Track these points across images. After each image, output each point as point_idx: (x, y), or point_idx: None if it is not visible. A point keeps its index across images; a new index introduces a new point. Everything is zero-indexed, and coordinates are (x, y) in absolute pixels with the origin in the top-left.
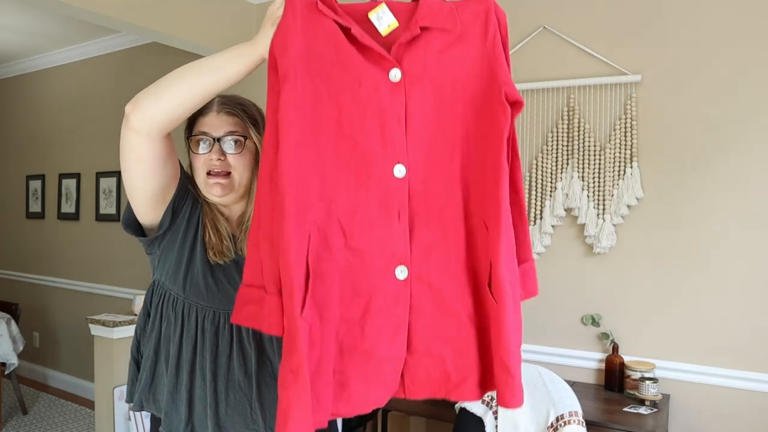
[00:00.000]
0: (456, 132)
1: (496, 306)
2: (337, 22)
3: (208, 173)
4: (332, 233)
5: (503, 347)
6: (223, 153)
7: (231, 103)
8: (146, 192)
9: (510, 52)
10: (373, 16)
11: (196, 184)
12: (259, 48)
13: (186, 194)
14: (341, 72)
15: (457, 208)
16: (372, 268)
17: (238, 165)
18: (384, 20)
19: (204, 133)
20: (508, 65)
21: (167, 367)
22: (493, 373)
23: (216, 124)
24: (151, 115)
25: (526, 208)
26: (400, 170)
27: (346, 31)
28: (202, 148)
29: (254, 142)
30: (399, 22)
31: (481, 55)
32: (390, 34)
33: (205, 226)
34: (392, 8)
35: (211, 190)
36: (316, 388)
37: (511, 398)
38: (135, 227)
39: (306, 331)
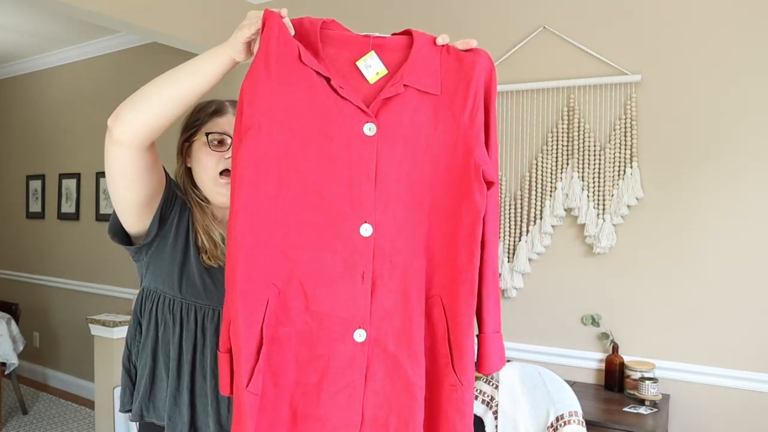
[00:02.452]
0: (425, 197)
1: (459, 385)
2: (318, 72)
3: (221, 173)
4: (293, 295)
5: (463, 428)
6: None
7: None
8: (132, 202)
9: (510, 52)
10: (361, 64)
11: (184, 189)
12: (228, 49)
13: (173, 201)
14: (313, 124)
15: (420, 274)
16: (331, 330)
17: None
18: (372, 68)
19: (223, 132)
20: (492, 128)
21: (167, 371)
22: None
23: (233, 124)
24: (134, 127)
25: (529, 209)
26: (366, 229)
27: (326, 80)
28: (213, 144)
29: None
30: (388, 66)
31: (457, 125)
32: (369, 84)
33: (197, 231)
34: (382, 52)
35: (222, 190)
36: None
37: None
38: (122, 236)
39: (253, 404)
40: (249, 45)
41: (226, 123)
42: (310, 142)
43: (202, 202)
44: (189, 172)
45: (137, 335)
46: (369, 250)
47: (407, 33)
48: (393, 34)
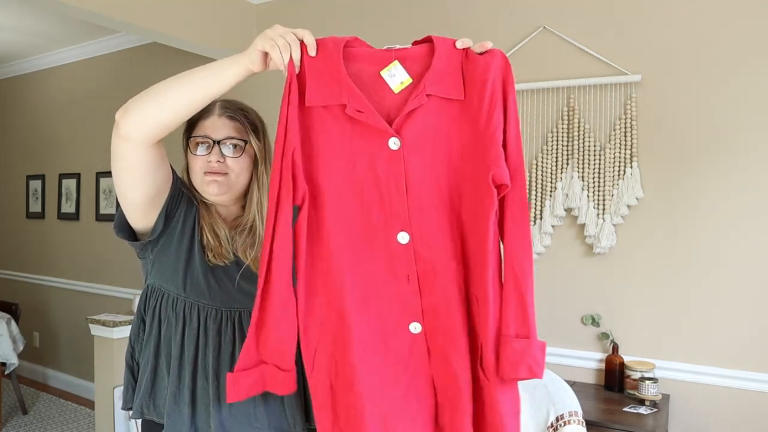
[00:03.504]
0: (454, 202)
1: (488, 383)
2: (327, 106)
3: (206, 172)
4: (348, 309)
5: (495, 423)
6: (222, 156)
7: (232, 108)
8: (138, 199)
9: (510, 52)
10: (385, 74)
11: (191, 186)
12: (245, 60)
13: (180, 198)
14: (333, 155)
15: (457, 275)
16: (390, 326)
17: (236, 167)
18: (397, 77)
19: (205, 136)
20: (514, 125)
21: (169, 370)
22: None
23: (217, 127)
24: (142, 122)
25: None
26: (403, 237)
27: (341, 108)
28: (201, 150)
29: (253, 148)
30: (412, 78)
31: (476, 129)
32: (395, 94)
33: (203, 229)
34: (404, 62)
35: (208, 188)
36: None
37: None
38: (127, 231)
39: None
40: (266, 56)
41: (209, 126)
42: (335, 172)
43: (205, 199)
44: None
45: (140, 332)
46: (409, 255)
47: (428, 40)
48: (414, 43)
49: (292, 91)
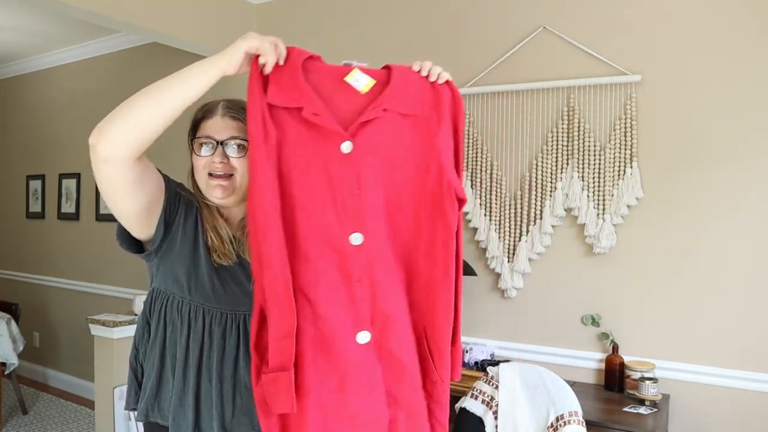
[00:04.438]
0: (405, 211)
1: (441, 383)
2: (285, 107)
3: (210, 174)
4: (301, 306)
5: (443, 417)
6: (225, 156)
7: (235, 108)
8: (132, 212)
9: (510, 52)
10: (350, 79)
11: (196, 188)
12: (221, 63)
13: (177, 203)
14: (291, 152)
15: (405, 282)
16: (339, 333)
17: (240, 168)
18: (361, 81)
19: (208, 137)
20: (459, 154)
21: (173, 372)
22: None
23: (220, 127)
24: (120, 141)
25: (529, 209)
26: (356, 238)
27: (298, 111)
28: (205, 150)
29: None
30: (375, 81)
31: (432, 146)
32: (353, 105)
33: (206, 230)
34: (366, 71)
35: (213, 192)
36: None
37: None
38: (129, 241)
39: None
40: (247, 57)
41: (211, 126)
42: (292, 167)
43: (209, 201)
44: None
45: (145, 335)
46: (363, 257)
47: (386, 68)
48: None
49: (261, 85)
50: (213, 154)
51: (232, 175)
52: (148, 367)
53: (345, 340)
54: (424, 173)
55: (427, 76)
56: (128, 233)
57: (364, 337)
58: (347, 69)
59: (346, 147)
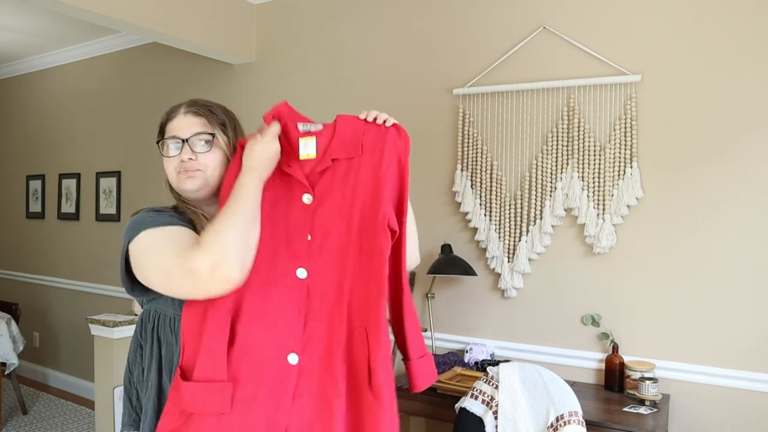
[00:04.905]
0: (352, 242)
1: (375, 402)
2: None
3: (179, 171)
4: (239, 321)
5: None
6: (193, 153)
7: (197, 105)
8: None
9: (510, 52)
10: (302, 142)
11: (171, 191)
12: (261, 175)
13: None
14: (267, 192)
15: (343, 308)
16: (269, 352)
17: (209, 162)
18: (306, 149)
19: (173, 137)
20: (404, 187)
21: None
22: None
23: (184, 125)
24: (247, 264)
25: (529, 209)
26: (302, 272)
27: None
28: (173, 150)
29: (221, 141)
30: (318, 150)
31: (376, 178)
32: (311, 162)
33: None
34: (319, 135)
35: (184, 185)
36: None
37: None
38: (140, 289)
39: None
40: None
41: (176, 126)
42: (266, 206)
43: (196, 209)
44: None
45: (138, 357)
46: (304, 288)
47: (335, 120)
48: (324, 124)
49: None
50: (180, 152)
51: (201, 170)
52: (147, 389)
53: (273, 359)
54: (369, 204)
55: (374, 121)
56: (130, 280)
57: (293, 358)
58: (302, 134)
59: (307, 198)
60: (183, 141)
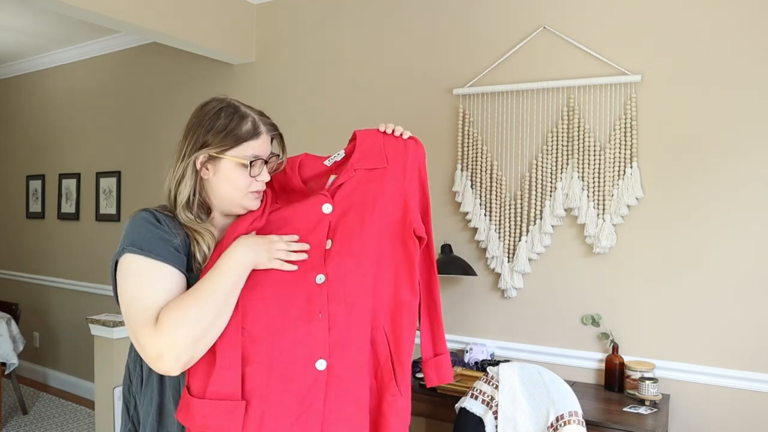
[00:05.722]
0: (373, 248)
1: (398, 394)
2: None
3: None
4: (259, 336)
5: (399, 430)
6: (267, 172)
7: (273, 125)
8: None
9: (510, 52)
10: (332, 177)
11: (189, 203)
12: (251, 260)
13: (189, 269)
14: (284, 208)
15: (366, 310)
16: (296, 361)
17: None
18: (339, 155)
19: (256, 156)
20: (426, 196)
21: (175, 404)
22: None
23: (267, 147)
24: (193, 357)
25: (529, 209)
26: (320, 278)
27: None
28: (255, 170)
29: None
30: (344, 159)
31: (399, 188)
32: (333, 169)
33: (195, 258)
34: (336, 169)
35: (251, 204)
36: None
37: None
38: None
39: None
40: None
41: (260, 145)
42: (284, 224)
43: (205, 230)
44: (201, 182)
45: (137, 367)
46: (323, 293)
47: (353, 137)
48: (345, 148)
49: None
50: (261, 173)
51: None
52: (146, 403)
53: (301, 367)
54: (393, 213)
55: (392, 133)
56: None
57: (321, 364)
58: (332, 169)
59: (327, 209)
60: (265, 162)
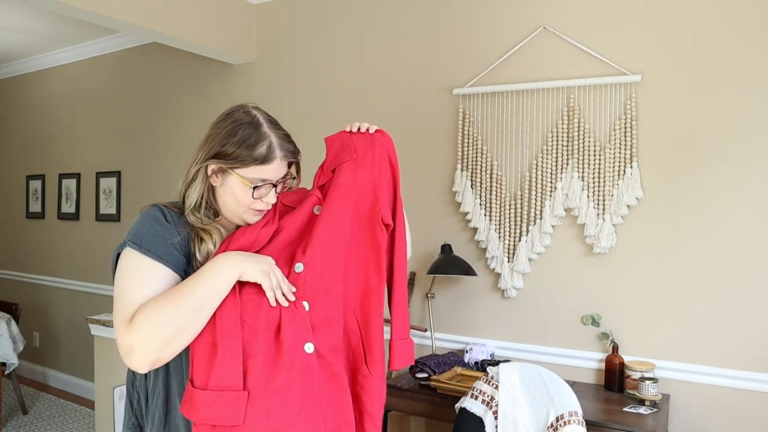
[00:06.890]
0: (346, 237)
1: (370, 375)
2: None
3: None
4: (258, 325)
5: (372, 408)
6: (275, 195)
7: (292, 150)
8: None
9: (510, 52)
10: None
11: (198, 206)
12: (244, 272)
13: (186, 264)
14: (284, 216)
15: (339, 295)
16: (288, 347)
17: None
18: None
19: (264, 180)
20: (397, 183)
21: (181, 398)
22: (362, 425)
23: (279, 171)
24: (161, 358)
25: (529, 209)
26: (299, 267)
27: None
28: (261, 192)
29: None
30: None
31: (369, 178)
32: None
33: (195, 257)
34: (317, 181)
35: (250, 219)
36: None
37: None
38: None
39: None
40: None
41: (271, 170)
42: (285, 224)
43: (213, 228)
44: (210, 188)
45: None
46: (300, 281)
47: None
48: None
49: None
50: (268, 194)
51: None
52: (153, 397)
53: (293, 352)
54: (364, 202)
55: (358, 131)
56: None
57: (309, 347)
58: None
59: (317, 210)
60: (274, 186)
